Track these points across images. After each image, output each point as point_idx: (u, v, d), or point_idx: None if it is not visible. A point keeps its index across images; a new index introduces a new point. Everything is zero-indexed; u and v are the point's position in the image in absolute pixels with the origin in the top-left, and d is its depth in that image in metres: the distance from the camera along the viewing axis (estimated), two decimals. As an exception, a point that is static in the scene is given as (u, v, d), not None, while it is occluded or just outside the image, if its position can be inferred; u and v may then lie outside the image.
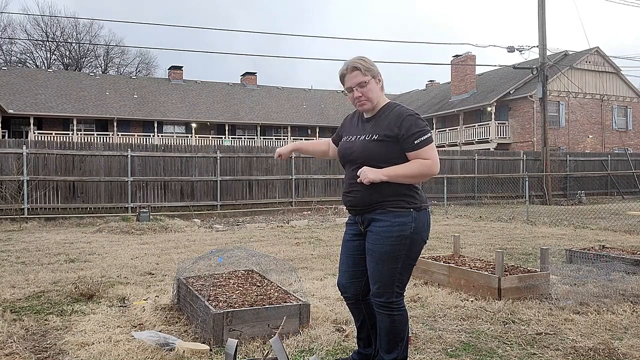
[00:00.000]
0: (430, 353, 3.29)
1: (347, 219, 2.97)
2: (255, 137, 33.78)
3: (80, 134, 29.27)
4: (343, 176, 2.97)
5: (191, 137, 31.43)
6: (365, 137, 2.73)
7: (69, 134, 28.74)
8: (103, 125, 30.86)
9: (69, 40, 47.61)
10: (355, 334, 3.07)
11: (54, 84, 31.75)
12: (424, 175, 2.64)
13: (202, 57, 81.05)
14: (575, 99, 28.59)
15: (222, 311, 3.43)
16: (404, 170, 2.62)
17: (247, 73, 39.32)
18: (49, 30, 46.54)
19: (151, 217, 12.67)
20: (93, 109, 30.23)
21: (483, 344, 3.45)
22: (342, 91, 2.85)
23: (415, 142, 2.61)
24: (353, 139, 2.81)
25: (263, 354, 3.04)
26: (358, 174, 2.65)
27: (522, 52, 21.53)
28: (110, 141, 26.89)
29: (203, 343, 3.39)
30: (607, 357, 3.18)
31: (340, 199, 3.08)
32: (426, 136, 2.63)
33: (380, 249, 2.66)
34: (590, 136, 29.10)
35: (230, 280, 4.48)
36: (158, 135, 30.57)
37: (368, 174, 2.60)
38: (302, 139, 33.97)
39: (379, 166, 2.64)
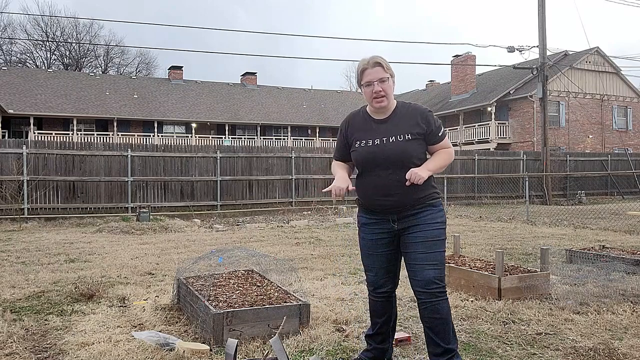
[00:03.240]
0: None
1: (363, 219, 2.95)
2: (255, 137, 33.77)
3: (80, 134, 29.26)
4: None
5: (191, 137, 31.42)
6: (395, 138, 2.76)
7: (69, 134, 28.73)
8: (103, 125, 30.85)
9: (69, 40, 47.62)
10: (370, 331, 3.09)
11: (54, 84, 31.75)
12: (450, 161, 2.88)
13: (202, 57, 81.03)
14: (575, 99, 28.59)
15: (222, 311, 3.43)
16: (440, 162, 2.80)
17: (247, 73, 39.30)
18: (49, 30, 46.59)
19: (151, 217, 12.67)
20: (93, 109, 30.22)
21: (483, 344, 3.45)
22: (361, 85, 2.82)
23: (439, 134, 2.84)
24: (377, 142, 2.79)
25: (263, 354, 3.04)
26: (408, 176, 2.67)
27: (522, 52, 21.53)
28: (110, 141, 26.88)
29: (203, 343, 3.39)
30: (607, 357, 3.18)
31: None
32: (444, 128, 2.91)
33: (432, 233, 2.77)
34: (590, 136, 29.09)
35: (230, 280, 4.48)
36: (158, 135, 30.56)
37: (420, 173, 2.67)
38: (302, 139, 34.01)
39: (415, 164, 2.75)
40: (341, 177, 2.89)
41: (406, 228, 2.81)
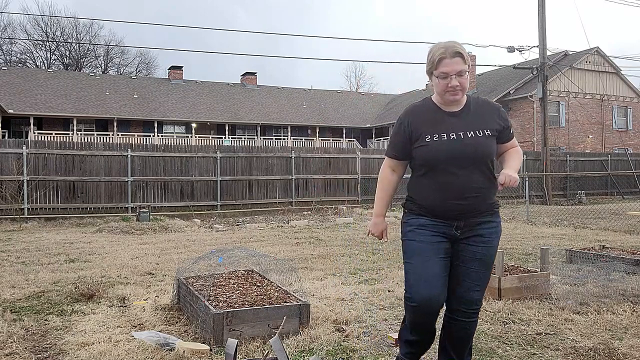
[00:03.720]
0: (431, 353, 3.28)
1: (422, 220, 2.56)
2: (255, 137, 33.77)
3: (80, 134, 29.26)
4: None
5: (191, 137, 31.43)
6: (474, 133, 2.48)
7: (69, 134, 28.73)
8: (103, 125, 30.85)
9: (69, 40, 47.62)
10: (410, 337, 2.69)
11: (54, 84, 31.74)
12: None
13: (202, 57, 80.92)
14: (575, 99, 28.59)
15: (222, 311, 3.43)
16: (519, 163, 2.59)
17: (247, 73, 39.30)
18: (49, 30, 46.57)
19: (151, 217, 12.67)
20: (93, 109, 30.21)
21: (483, 344, 3.44)
22: (433, 74, 2.48)
23: (511, 131, 2.64)
24: (453, 136, 2.47)
25: (263, 354, 3.04)
26: (502, 180, 2.44)
27: (522, 52, 21.51)
28: (110, 141, 26.86)
29: (203, 343, 3.39)
30: (607, 357, 3.18)
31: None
32: None
33: (491, 252, 2.56)
34: (590, 136, 29.10)
35: (230, 280, 4.48)
36: (158, 135, 30.56)
37: (514, 175, 2.45)
38: (302, 139, 34.00)
39: (489, 164, 2.52)
40: (377, 222, 2.71)
41: (468, 238, 2.53)
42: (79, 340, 3.54)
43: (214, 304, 3.66)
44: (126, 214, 13.93)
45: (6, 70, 33.65)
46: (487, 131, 2.50)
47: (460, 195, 2.46)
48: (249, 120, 33.43)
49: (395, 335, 3.47)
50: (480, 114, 2.54)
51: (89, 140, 26.90)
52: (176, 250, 8.10)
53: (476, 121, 2.51)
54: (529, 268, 5.09)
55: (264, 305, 3.66)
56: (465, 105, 2.55)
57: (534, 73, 21.48)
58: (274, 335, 2.54)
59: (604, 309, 4.22)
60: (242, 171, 16.20)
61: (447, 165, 2.45)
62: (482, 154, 2.47)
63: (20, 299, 4.77)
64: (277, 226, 12.04)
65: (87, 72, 43.88)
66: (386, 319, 4.02)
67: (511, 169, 2.51)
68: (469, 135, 2.47)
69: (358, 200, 17.48)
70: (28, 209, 13.30)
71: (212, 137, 31.80)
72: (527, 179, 15.02)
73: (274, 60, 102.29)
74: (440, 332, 2.74)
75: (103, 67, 49.41)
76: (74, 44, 47.26)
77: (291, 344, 3.41)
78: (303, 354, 3.25)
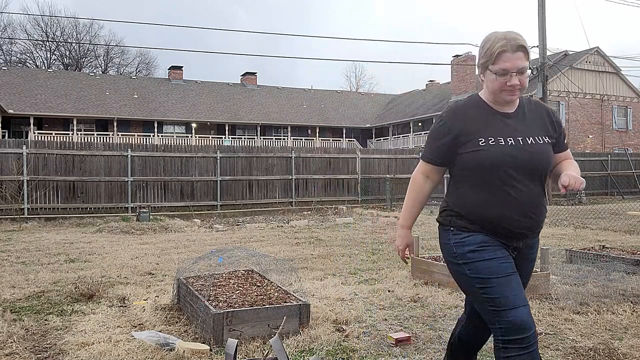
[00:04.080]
0: (430, 353, 3.29)
1: (479, 238, 2.16)
2: (255, 137, 33.79)
3: (80, 134, 29.27)
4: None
5: (191, 137, 31.44)
6: (534, 140, 2.16)
7: (69, 134, 28.75)
8: (103, 125, 30.86)
9: (69, 40, 47.64)
10: None
11: (54, 84, 31.75)
12: None
13: (202, 57, 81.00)
14: (575, 99, 28.60)
15: (222, 311, 3.43)
16: (578, 171, 2.22)
17: (247, 73, 39.33)
18: (49, 30, 46.62)
19: (151, 217, 12.67)
20: (93, 109, 30.23)
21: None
22: (488, 67, 2.13)
23: (565, 140, 2.32)
24: (511, 141, 2.13)
25: (263, 354, 3.03)
26: (567, 182, 2.08)
27: (522, 52, 21.47)
28: (110, 141, 26.87)
29: (203, 343, 3.39)
30: (607, 357, 3.17)
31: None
32: None
33: (532, 269, 2.37)
34: (590, 136, 29.10)
35: (230, 280, 4.48)
36: (158, 135, 30.57)
37: (579, 177, 2.11)
38: (302, 139, 34.01)
39: (546, 176, 2.21)
40: (402, 235, 2.39)
41: (519, 263, 2.23)
42: (79, 340, 3.54)
43: (214, 304, 3.66)
44: (126, 214, 13.93)
45: (6, 70, 33.67)
46: (545, 138, 2.19)
47: (525, 211, 2.13)
48: (249, 120, 33.44)
49: (395, 335, 3.48)
50: (534, 118, 2.23)
51: (89, 140, 26.91)
52: (176, 250, 8.10)
53: (534, 125, 2.20)
54: (529, 268, 5.08)
55: (264, 305, 3.66)
56: (519, 106, 2.23)
57: (534, 73, 21.47)
58: (274, 335, 2.54)
59: (604, 309, 4.21)
60: (242, 171, 16.21)
61: (505, 175, 2.10)
62: (543, 164, 2.15)
63: (20, 299, 4.77)
64: (277, 226, 12.03)
65: (87, 72, 43.91)
66: (386, 319, 4.02)
67: (575, 172, 2.18)
68: (529, 142, 2.14)
69: (358, 200, 17.48)
70: (28, 209, 13.30)
71: (212, 137, 31.82)
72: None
73: (274, 60, 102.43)
74: (454, 337, 2.66)
75: (103, 67, 49.45)
76: (74, 44, 47.30)
77: (291, 344, 3.41)
78: (303, 354, 3.25)
